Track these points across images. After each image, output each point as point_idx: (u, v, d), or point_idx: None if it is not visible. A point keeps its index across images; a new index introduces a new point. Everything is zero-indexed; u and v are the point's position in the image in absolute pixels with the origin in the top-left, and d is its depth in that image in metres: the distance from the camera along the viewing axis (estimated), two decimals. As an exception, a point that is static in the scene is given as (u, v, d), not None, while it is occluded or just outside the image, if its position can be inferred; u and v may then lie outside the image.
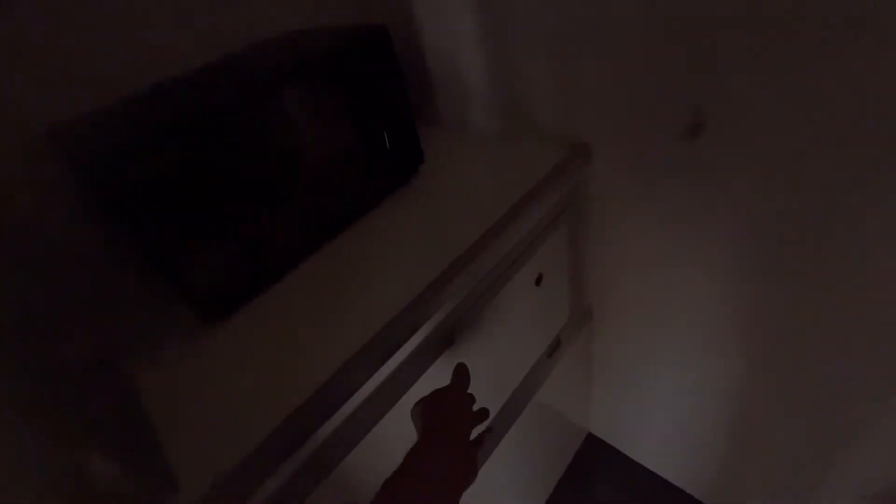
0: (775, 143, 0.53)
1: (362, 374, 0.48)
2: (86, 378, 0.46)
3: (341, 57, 0.56)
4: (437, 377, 0.58)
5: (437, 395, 0.50)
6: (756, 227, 0.61)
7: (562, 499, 1.16)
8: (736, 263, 0.66)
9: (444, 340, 0.58)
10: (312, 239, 0.62)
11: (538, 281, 0.71)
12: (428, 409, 0.48)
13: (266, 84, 0.52)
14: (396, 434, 0.55)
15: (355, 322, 0.51)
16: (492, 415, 0.75)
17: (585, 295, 0.90)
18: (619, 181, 0.71)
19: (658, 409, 0.99)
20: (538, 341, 0.82)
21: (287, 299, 0.58)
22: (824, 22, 0.44)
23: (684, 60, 0.54)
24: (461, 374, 0.54)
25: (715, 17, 0.50)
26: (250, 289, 0.57)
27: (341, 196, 0.63)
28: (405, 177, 0.71)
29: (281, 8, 0.72)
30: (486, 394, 0.72)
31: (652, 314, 0.84)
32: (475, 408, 0.53)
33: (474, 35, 0.71)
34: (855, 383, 0.65)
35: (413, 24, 0.77)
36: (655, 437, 1.08)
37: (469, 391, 0.53)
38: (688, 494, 1.08)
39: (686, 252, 0.71)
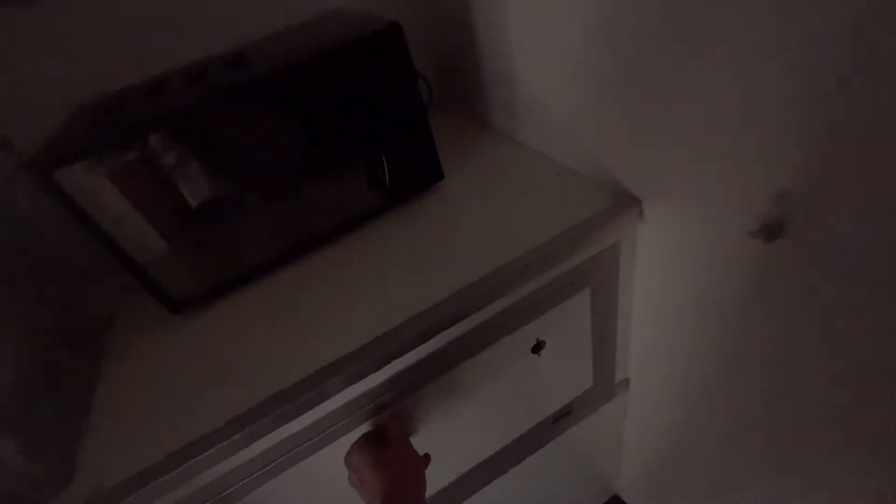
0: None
1: (292, 411, 0.44)
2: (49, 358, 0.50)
3: (340, 56, 0.49)
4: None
5: (379, 451, 0.46)
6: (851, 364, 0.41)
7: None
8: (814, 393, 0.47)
9: (388, 399, 0.51)
10: (292, 247, 0.59)
11: (536, 348, 0.59)
12: (380, 469, 0.45)
13: (256, 80, 0.48)
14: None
15: (304, 349, 0.48)
16: (457, 473, 0.68)
17: (619, 367, 0.74)
18: (672, 255, 0.54)
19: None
20: (539, 407, 0.70)
21: (249, 306, 0.56)
22: None
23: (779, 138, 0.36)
24: (397, 416, 0.51)
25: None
26: (217, 288, 0.57)
27: (327, 207, 0.58)
28: (413, 194, 0.63)
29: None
30: (453, 455, 0.65)
31: (698, 412, 0.66)
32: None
33: (525, 46, 0.58)
34: None
35: (472, 29, 0.66)
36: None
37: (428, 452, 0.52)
38: None
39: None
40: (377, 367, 0.47)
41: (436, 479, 0.66)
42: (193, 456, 0.42)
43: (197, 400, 0.47)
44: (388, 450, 0.47)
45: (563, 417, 0.74)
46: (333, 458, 0.50)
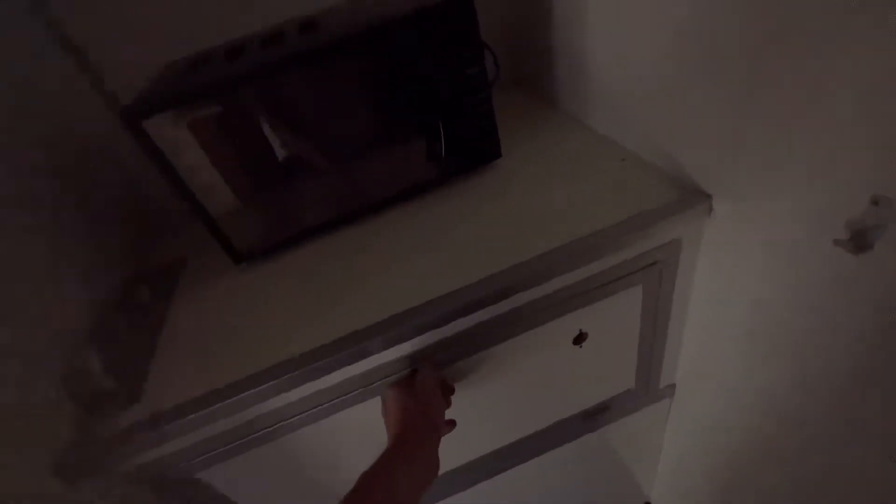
0: None
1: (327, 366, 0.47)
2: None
3: (407, 24, 0.49)
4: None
5: (410, 398, 0.47)
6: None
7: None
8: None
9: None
10: (347, 211, 0.61)
11: (578, 340, 0.58)
12: (406, 410, 0.46)
13: (327, 45, 0.49)
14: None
15: (348, 308, 0.50)
16: (479, 453, 0.69)
17: (665, 372, 0.70)
18: (740, 258, 0.50)
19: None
20: (572, 400, 0.69)
21: (304, 263, 0.60)
22: None
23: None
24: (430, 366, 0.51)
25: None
26: (276, 244, 0.61)
27: (386, 175, 0.59)
28: (469, 170, 0.63)
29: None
30: (480, 432, 0.66)
31: (746, 432, 0.62)
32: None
33: (604, 29, 0.54)
34: None
35: (548, 7, 0.64)
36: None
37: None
38: None
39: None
40: (417, 333, 0.49)
41: (458, 454, 0.68)
42: (241, 392, 0.46)
43: (246, 344, 0.51)
44: (409, 396, 0.47)
45: (595, 415, 0.72)
46: (364, 415, 0.53)
